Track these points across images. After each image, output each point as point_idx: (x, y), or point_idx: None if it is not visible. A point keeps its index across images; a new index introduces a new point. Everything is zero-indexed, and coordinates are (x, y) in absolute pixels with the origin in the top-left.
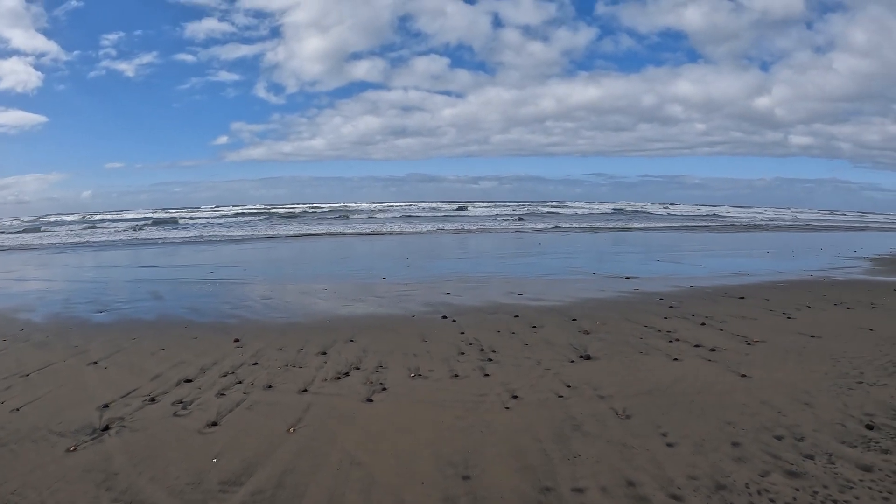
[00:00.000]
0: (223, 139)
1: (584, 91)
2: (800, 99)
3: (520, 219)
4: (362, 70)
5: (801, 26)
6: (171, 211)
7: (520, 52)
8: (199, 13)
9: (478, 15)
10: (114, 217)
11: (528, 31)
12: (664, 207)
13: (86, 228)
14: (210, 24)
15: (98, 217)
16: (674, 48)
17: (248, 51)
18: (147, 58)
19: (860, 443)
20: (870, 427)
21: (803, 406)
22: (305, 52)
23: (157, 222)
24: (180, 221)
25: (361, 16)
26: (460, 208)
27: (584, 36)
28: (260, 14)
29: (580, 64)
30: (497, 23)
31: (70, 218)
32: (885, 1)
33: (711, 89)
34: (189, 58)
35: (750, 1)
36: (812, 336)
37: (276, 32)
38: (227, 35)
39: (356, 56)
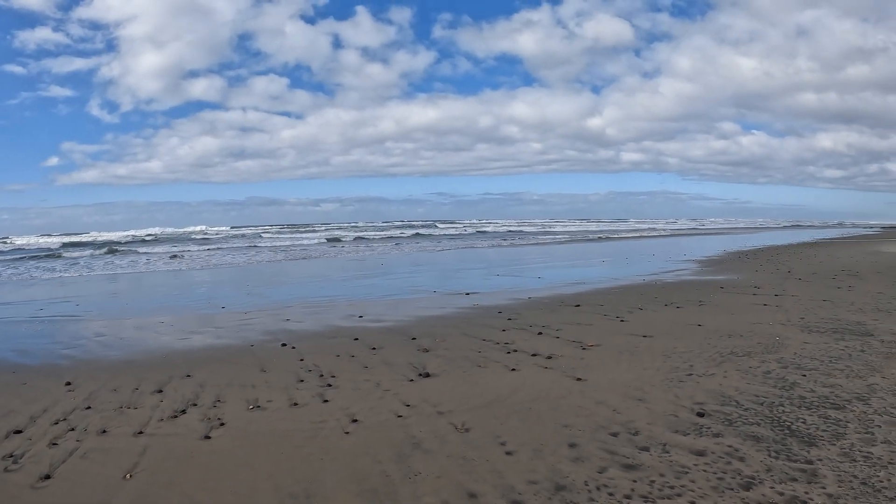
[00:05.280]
0: (54, 160)
1: (422, 112)
2: (630, 119)
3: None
4: (200, 89)
5: (630, 53)
6: None
7: (359, 74)
8: (32, 21)
9: (317, 35)
10: None
11: (368, 53)
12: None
13: None
14: (43, 34)
15: None
16: (509, 72)
17: (83, 64)
18: None
19: (692, 430)
20: (701, 414)
21: (637, 402)
22: (141, 68)
23: None
24: None
25: (200, 32)
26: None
27: (422, 59)
28: (95, 25)
29: (419, 86)
30: (337, 44)
31: None
32: (708, 31)
33: (546, 111)
34: (19, 69)
35: (582, 29)
36: (644, 336)
37: (111, 46)
38: (60, 47)
39: (194, 74)
